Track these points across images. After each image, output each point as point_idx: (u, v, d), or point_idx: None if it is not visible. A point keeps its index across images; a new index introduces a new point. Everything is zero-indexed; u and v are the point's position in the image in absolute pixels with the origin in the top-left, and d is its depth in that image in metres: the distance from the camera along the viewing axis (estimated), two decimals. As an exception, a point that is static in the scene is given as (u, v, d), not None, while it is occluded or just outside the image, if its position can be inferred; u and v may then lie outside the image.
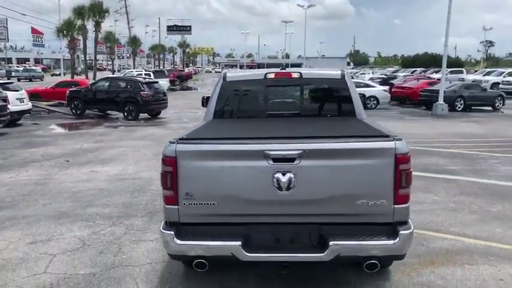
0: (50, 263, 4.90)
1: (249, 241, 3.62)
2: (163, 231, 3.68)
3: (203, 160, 3.58)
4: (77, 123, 18.20)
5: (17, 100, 17.33)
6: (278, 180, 3.50)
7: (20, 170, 9.39)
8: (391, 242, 3.52)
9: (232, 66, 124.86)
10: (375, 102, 23.77)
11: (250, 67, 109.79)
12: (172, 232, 3.63)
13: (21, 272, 4.68)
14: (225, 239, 3.58)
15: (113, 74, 48.09)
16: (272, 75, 5.38)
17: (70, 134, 15.38)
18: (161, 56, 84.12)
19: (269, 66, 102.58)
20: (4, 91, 16.59)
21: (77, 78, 33.67)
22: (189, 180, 3.61)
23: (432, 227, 5.82)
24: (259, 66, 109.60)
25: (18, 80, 58.38)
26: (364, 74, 43.03)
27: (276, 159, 3.49)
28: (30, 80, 55.98)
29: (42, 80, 54.17)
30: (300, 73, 5.37)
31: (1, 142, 13.49)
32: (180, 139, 3.70)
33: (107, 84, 20.01)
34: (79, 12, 38.29)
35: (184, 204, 3.63)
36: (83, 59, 53.46)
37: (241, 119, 5.27)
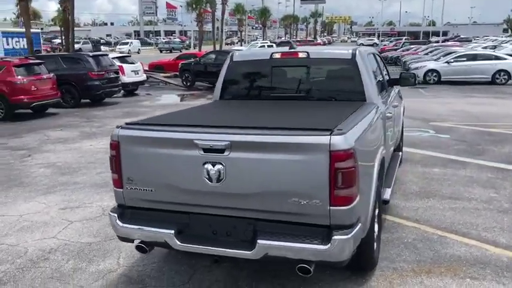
0: (63, 229, 5.38)
1: (184, 231, 3.55)
2: (110, 213, 3.80)
3: (141, 146, 3.58)
4: (183, 94, 19.32)
5: (132, 72, 18.94)
6: (208, 171, 3.36)
7: (103, 138, 10.30)
8: (323, 246, 3.17)
9: (369, 35, 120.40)
10: (505, 77, 21.07)
11: (390, 36, 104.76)
12: (116, 214, 3.73)
13: (35, 235, 5.22)
14: (160, 226, 3.56)
15: (241, 45, 49.54)
16: (278, 55, 5.11)
17: (170, 106, 16.37)
18: (293, 26, 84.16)
19: (409, 34, 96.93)
20: (120, 64, 18.24)
21: (195, 51, 35.42)
22: (129, 165, 3.64)
23: (460, 230, 5.08)
24: (399, 34, 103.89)
25: (160, 51, 63.55)
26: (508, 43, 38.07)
27: (206, 150, 3.34)
28: (171, 51, 60.29)
29: (181, 52, 58.13)
30: (308, 53, 5.00)
31: (108, 111, 14.94)
32: (126, 124, 3.74)
33: (214, 57, 20.78)
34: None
35: (127, 188, 3.69)
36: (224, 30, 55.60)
37: (243, 101, 5.11)
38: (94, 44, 55.50)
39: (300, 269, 3.27)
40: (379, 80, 5.47)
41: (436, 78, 21.43)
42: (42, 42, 36.03)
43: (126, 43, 61.96)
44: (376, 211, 4.29)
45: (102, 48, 47.95)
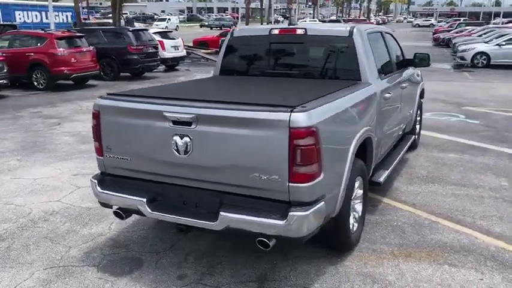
0: (69, 193, 5.68)
1: (158, 200, 3.68)
2: (91, 179, 3.98)
3: (118, 117, 3.71)
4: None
5: (171, 48, 19.25)
6: (176, 143, 3.45)
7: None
8: (280, 221, 3.20)
9: (427, 16, 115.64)
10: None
11: (450, 16, 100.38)
12: (96, 181, 3.91)
13: (43, 198, 5.55)
14: (134, 194, 3.71)
15: (289, 23, 48.93)
16: (276, 31, 5.08)
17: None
18: (346, 5, 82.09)
19: (470, 15, 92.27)
20: (161, 39, 18.58)
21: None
22: (108, 134, 3.80)
23: (456, 217, 4.94)
24: (460, 15, 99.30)
25: (211, 28, 63.98)
26: None
27: (175, 122, 3.43)
28: (221, 28, 60.42)
29: (230, 28, 58.14)
30: (305, 29, 4.94)
31: (145, 85, 15.26)
32: (107, 94, 3.88)
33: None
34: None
35: (106, 156, 3.86)
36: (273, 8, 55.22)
37: (238, 77, 5.15)
38: (126, 21, 56.26)
39: (260, 242, 3.33)
40: (383, 60, 5.34)
41: (485, 62, 20.42)
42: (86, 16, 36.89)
43: (164, 19, 62.36)
44: (359, 191, 4.27)
45: (137, 24, 48.38)
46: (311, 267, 3.95)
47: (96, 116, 3.81)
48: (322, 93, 3.77)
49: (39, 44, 13.81)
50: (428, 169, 6.51)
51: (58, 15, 31.96)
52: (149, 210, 3.63)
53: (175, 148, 3.46)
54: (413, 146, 7.19)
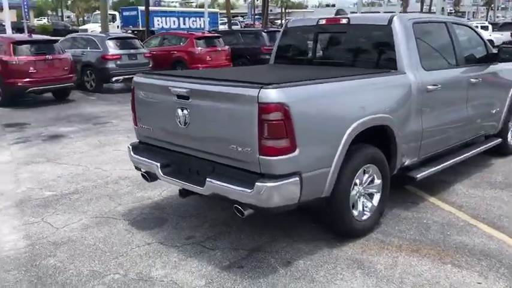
0: (89, 165, 6.54)
1: (169, 166, 4.19)
2: (128, 145, 4.67)
3: (144, 91, 4.33)
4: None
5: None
6: (178, 115, 3.91)
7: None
8: (248, 190, 3.43)
9: None
10: None
11: None
12: (131, 147, 4.59)
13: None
14: (153, 159, 4.27)
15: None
16: (323, 21, 5.20)
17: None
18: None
19: None
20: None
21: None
22: (139, 106, 4.43)
23: (500, 223, 4.47)
24: None
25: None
26: None
27: (179, 96, 3.89)
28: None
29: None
30: (348, 19, 4.98)
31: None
32: (141, 73, 4.52)
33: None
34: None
35: (139, 126, 4.50)
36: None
37: (288, 65, 5.39)
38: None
39: (236, 210, 3.61)
40: (438, 52, 5.08)
41: None
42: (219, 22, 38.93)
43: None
44: (369, 179, 4.21)
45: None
46: (307, 247, 4.05)
47: (132, 91, 4.48)
48: (317, 77, 3.88)
49: (181, 44, 15.54)
50: (508, 176, 5.87)
51: (195, 21, 34.38)
52: (161, 174, 4.16)
53: (178, 120, 3.93)
54: (503, 151, 6.52)
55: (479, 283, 3.47)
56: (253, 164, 3.49)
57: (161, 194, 5.39)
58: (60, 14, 75.53)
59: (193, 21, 34.14)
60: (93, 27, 31.51)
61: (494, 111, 6.02)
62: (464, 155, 5.47)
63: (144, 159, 4.39)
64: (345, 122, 3.78)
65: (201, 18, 33.62)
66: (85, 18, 65.23)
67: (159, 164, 4.17)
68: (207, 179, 3.72)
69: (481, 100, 5.68)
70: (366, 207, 4.23)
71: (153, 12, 33.29)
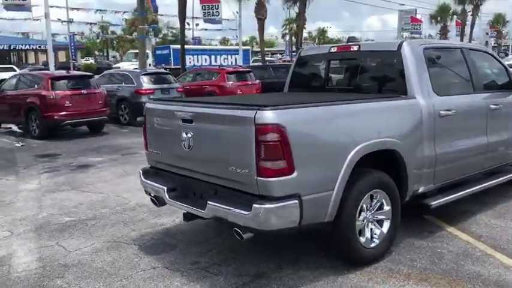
0: (110, 193, 6.58)
1: (176, 189, 4.24)
2: (139, 170, 4.77)
3: (153, 116, 4.45)
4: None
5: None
6: (183, 138, 3.99)
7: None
8: (246, 213, 3.42)
9: None
10: None
11: None
12: (141, 171, 4.68)
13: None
14: (160, 183, 4.34)
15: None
16: (334, 49, 5.24)
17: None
18: None
19: None
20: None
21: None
22: (149, 131, 4.55)
23: (521, 253, 4.25)
24: None
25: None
26: None
27: (184, 120, 3.98)
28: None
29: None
30: (359, 45, 5.00)
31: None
32: (151, 99, 4.66)
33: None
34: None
35: (149, 151, 4.60)
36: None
37: (299, 93, 5.43)
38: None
39: (236, 233, 3.59)
40: (452, 78, 5.01)
41: None
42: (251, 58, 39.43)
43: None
44: (387, 208, 4.10)
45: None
46: (312, 274, 3.96)
47: (144, 117, 4.61)
48: (320, 100, 3.89)
49: (213, 78, 15.92)
50: (536, 206, 5.59)
51: (227, 58, 34.90)
52: (168, 198, 4.21)
53: (183, 143, 4.00)
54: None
55: (489, 314, 3.28)
56: (251, 186, 3.49)
57: (174, 221, 5.43)
58: (105, 54, 79.19)
59: (224, 58, 34.71)
60: (126, 65, 32.49)
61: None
62: (485, 184, 5.27)
63: (152, 183, 4.46)
64: (347, 145, 3.74)
65: (233, 56, 34.21)
66: (129, 57, 67.96)
67: (165, 188, 4.23)
68: (208, 201, 3.74)
69: (504, 127, 5.49)
70: (375, 234, 4.12)
71: (186, 50, 34.63)
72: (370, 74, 5.01)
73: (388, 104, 4.23)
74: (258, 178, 3.42)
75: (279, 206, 3.39)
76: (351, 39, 5.19)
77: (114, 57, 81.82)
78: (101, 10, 42.05)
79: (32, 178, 7.82)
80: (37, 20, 22.09)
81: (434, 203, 4.56)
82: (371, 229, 4.09)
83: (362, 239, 3.99)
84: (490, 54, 5.80)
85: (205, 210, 3.77)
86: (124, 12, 39.67)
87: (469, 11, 38.83)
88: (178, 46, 27.24)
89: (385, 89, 4.72)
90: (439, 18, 37.96)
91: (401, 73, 4.53)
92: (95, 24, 48.26)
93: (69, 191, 6.95)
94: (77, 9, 39.66)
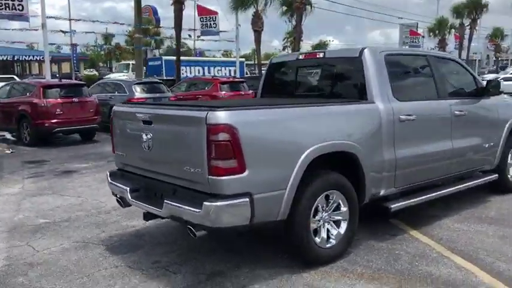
0: (88, 197, 6.72)
1: (138, 190, 4.34)
2: (106, 172, 4.88)
3: (118, 119, 4.58)
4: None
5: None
6: (143, 140, 4.10)
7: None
8: (197, 210, 3.52)
9: None
10: None
11: None
12: (108, 173, 4.80)
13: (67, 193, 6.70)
14: (124, 184, 4.45)
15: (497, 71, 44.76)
16: (302, 56, 5.39)
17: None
18: None
19: None
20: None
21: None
22: (115, 133, 4.68)
23: (475, 256, 4.32)
24: None
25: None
26: None
27: (144, 121, 4.10)
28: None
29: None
30: (324, 52, 5.14)
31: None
32: (121, 103, 4.79)
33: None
34: (457, 11, 38.00)
35: (116, 152, 4.72)
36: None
37: (269, 98, 5.55)
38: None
39: (189, 230, 3.70)
40: (413, 83, 5.14)
41: None
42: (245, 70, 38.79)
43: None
44: (344, 209, 4.20)
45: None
46: (268, 272, 4.05)
47: (111, 119, 4.74)
48: (275, 103, 4.02)
49: (206, 88, 16.10)
50: (501, 212, 5.66)
51: (220, 69, 34.78)
52: (130, 198, 4.32)
53: (143, 144, 4.12)
54: (502, 188, 6.30)
55: (431, 311, 3.36)
56: (203, 185, 3.60)
57: (145, 223, 5.51)
58: (109, 65, 79.81)
59: (218, 70, 34.55)
60: (117, 76, 32.07)
61: (487, 146, 5.87)
62: (451, 189, 5.36)
63: (118, 184, 4.57)
64: (300, 147, 3.84)
65: (226, 67, 34.21)
66: (130, 68, 68.42)
67: (128, 189, 4.34)
68: (165, 200, 3.84)
69: (470, 133, 5.59)
70: (332, 234, 4.20)
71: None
72: (335, 80, 5.13)
73: (345, 108, 4.35)
74: (210, 177, 3.52)
75: (229, 203, 3.49)
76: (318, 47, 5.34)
77: (116, 68, 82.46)
78: (101, 21, 42.41)
79: (16, 183, 7.94)
80: (35, 30, 22.35)
81: (394, 206, 4.65)
82: (327, 229, 4.17)
83: (317, 239, 4.07)
84: (458, 62, 5.92)
85: (162, 209, 3.87)
86: (122, 23, 39.81)
87: (467, 25, 39.18)
88: (170, 57, 27.24)
89: (347, 94, 4.85)
90: (437, 31, 38.30)
91: (362, 79, 4.65)
92: (96, 33, 48.68)
93: (49, 195, 7.06)
94: (77, 20, 40.05)
